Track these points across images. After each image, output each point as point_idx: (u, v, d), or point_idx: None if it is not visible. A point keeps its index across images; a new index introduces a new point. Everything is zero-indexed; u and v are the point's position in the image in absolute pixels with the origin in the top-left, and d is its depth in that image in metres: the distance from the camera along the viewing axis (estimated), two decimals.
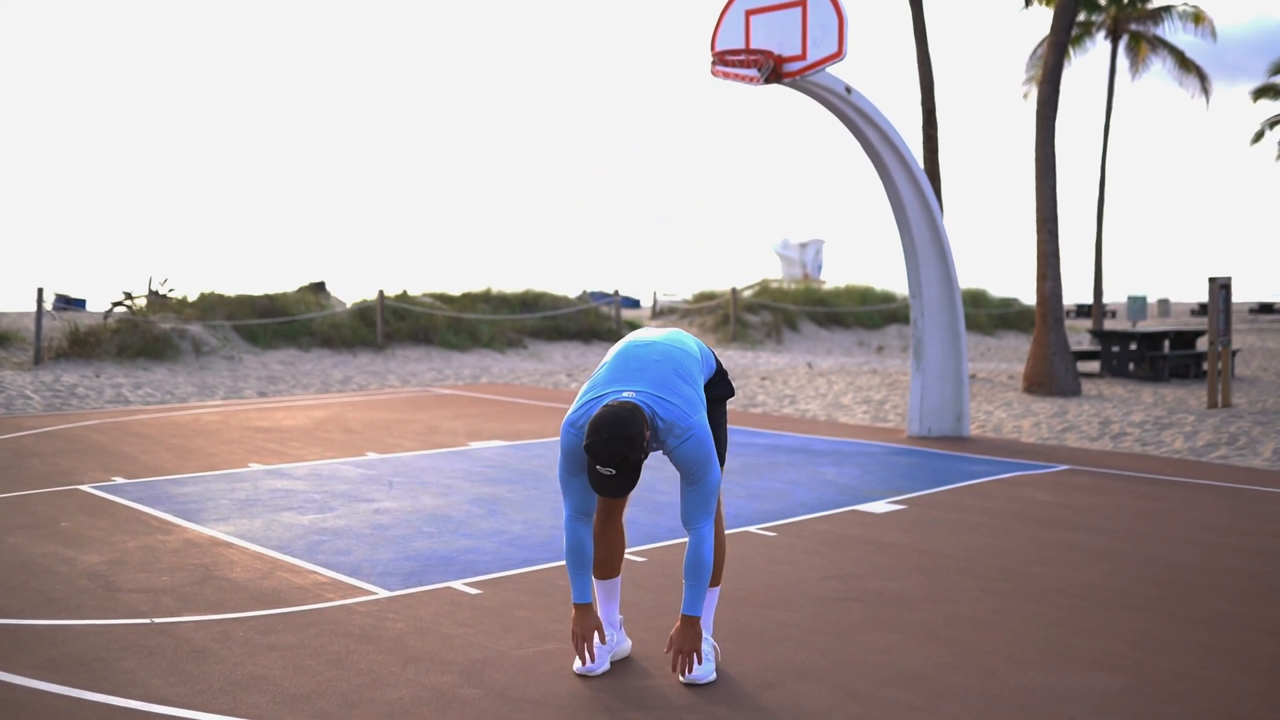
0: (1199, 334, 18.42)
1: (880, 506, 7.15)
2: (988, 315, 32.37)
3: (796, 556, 5.81)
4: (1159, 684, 3.96)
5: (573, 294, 26.60)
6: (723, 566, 4.06)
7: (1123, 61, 32.03)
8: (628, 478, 3.55)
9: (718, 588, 4.09)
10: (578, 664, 4.02)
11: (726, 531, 6.27)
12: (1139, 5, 30.47)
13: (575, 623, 3.89)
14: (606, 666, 4.07)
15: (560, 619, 4.66)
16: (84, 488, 7.57)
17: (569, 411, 3.83)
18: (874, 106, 9.97)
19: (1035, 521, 6.74)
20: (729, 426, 4.41)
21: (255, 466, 8.55)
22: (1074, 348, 18.95)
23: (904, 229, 10.55)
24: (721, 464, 3.95)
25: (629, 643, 4.23)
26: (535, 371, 19.07)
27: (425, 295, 24.02)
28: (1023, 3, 27.05)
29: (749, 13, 9.77)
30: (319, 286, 24.89)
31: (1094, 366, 19.37)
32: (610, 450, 3.50)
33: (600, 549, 4.09)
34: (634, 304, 43.64)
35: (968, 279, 42.10)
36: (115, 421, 11.35)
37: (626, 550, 5.08)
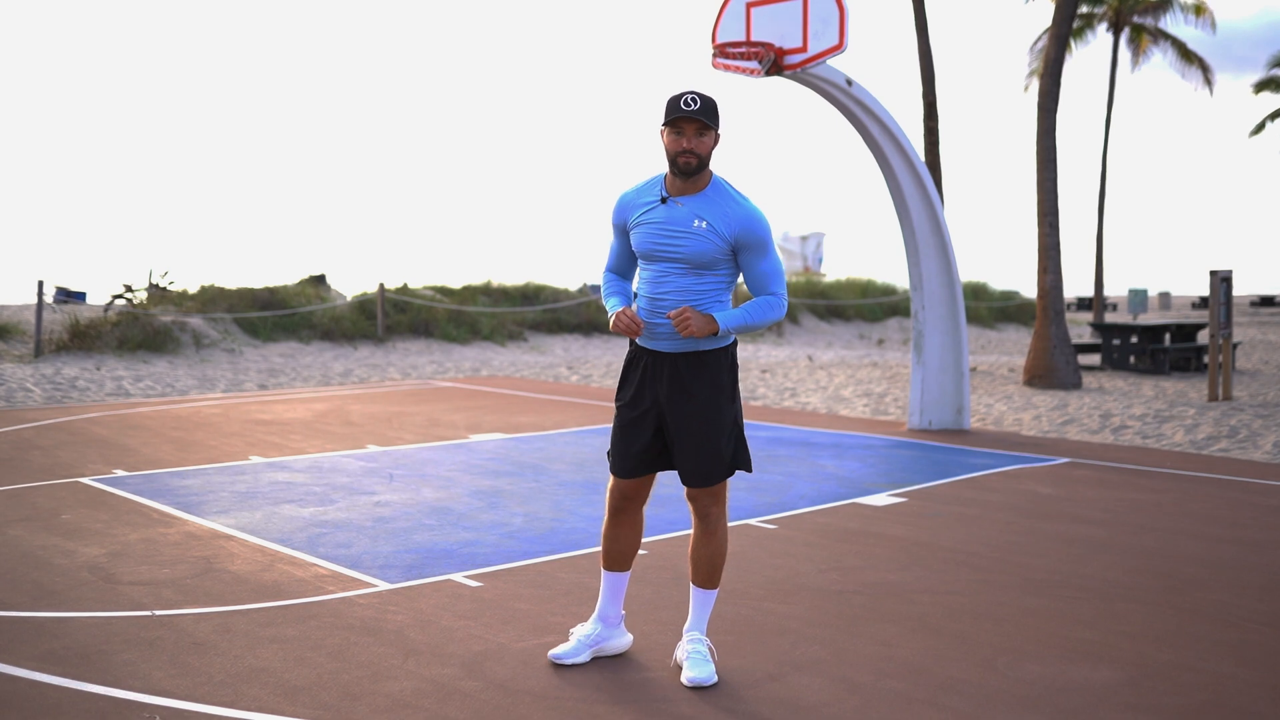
0: (1200, 327, 18.41)
1: (880, 499, 7.15)
2: (988, 308, 32.35)
3: (797, 549, 5.81)
4: (1158, 676, 3.97)
5: (573, 287, 26.58)
6: (723, 567, 4.04)
7: (1124, 54, 32.02)
8: (708, 109, 3.74)
9: (715, 590, 4.05)
10: (553, 651, 4.05)
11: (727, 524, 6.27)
12: None
13: (616, 318, 3.84)
14: (584, 659, 4.04)
15: (560, 611, 4.66)
16: (84, 480, 7.57)
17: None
18: (875, 99, 9.96)
19: (1035, 514, 6.74)
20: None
21: (256, 459, 8.55)
22: (1075, 341, 18.94)
23: (905, 222, 10.54)
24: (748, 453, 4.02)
25: (628, 639, 4.20)
26: (536, 364, 19.08)
27: (426, 288, 24.00)
28: None
29: (750, 5, 9.75)
30: (319, 279, 24.89)
31: (1095, 359, 19.36)
32: (694, 92, 3.76)
33: (610, 541, 4.07)
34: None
35: (968, 272, 42.15)
36: (116, 414, 11.35)
37: None
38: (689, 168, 3.78)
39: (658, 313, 3.86)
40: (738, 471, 3.97)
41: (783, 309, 3.86)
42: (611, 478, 4.04)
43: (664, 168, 3.92)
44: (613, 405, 4.48)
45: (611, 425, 4.06)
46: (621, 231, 4.02)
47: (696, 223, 3.78)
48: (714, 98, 3.79)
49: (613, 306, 3.96)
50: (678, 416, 3.87)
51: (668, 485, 7.23)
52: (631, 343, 4.02)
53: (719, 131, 3.80)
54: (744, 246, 3.81)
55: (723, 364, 3.91)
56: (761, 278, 3.85)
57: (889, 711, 3.62)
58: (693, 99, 3.74)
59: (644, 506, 4.10)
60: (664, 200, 3.85)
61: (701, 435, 3.85)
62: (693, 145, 3.75)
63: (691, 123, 3.74)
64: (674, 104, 3.76)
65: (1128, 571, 5.40)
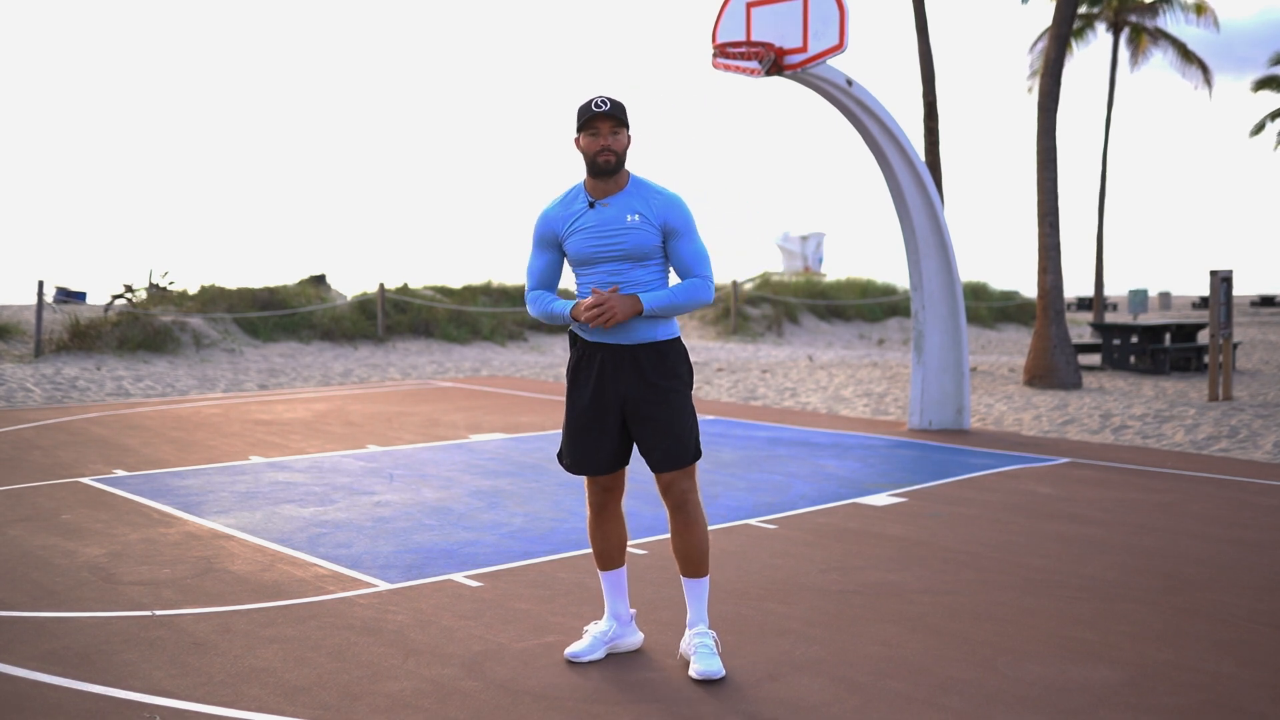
0: (1200, 327, 18.40)
1: (881, 499, 7.15)
2: (989, 308, 32.35)
3: (797, 549, 5.81)
4: (1159, 676, 3.96)
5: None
6: (708, 552, 4.07)
7: (1124, 54, 32.02)
8: (619, 108, 3.88)
9: (706, 577, 4.08)
10: (569, 649, 4.07)
11: (726, 524, 6.27)
12: None
13: (586, 308, 3.85)
14: (600, 655, 4.08)
15: (561, 611, 4.66)
16: (85, 480, 7.57)
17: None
18: (875, 99, 9.96)
19: (1035, 514, 6.74)
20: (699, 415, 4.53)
21: (256, 459, 8.56)
22: (1075, 341, 18.93)
23: (905, 222, 10.54)
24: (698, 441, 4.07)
25: (640, 637, 4.23)
26: (536, 364, 19.08)
27: (426, 288, 24.01)
28: None
29: (750, 5, 9.75)
30: (319, 279, 24.88)
31: (1095, 359, 19.36)
32: (603, 95, 3.90)
33: (600, 540, 4.11)
34: None
35: (969, 272, 42.14)
36: (116, 414, 11.35)
37: (628, 543, 5.07)
38: (609, 165, 3.89)
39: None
40: (722, 467, 4.01)
41: (709, 291, 3.95)
42: (586, 479, 4.08)
43: (577, 180, 4.03)
44: None
45: (564, 426, 4.08)
46: (550, 246, 4.06)
47: (630, 217, 3.90)
48: (622, 100, 3.93)
49: (565, 305, 3.98)
50: (645, 406, 3.93)
51: None
52: (578, 341, 4.05)
53: (630, 132, 3.93)
54: (671, 232, 3.94)
55: (680, 354, 4.03)
56: (688, 259, 3.96)
57: (889, 711, 3.62)
58: (603, 100, 3.89)
59: (622, 500, 4.16)
60: (591, 205, 3.94)
61: (668, 421, 3.93)
62: (609, 143, 3.87)
63: (605, 121, 3.87)
64: (585, 108, 3.90)
65: (1127, 571, 5.40)
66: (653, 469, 3.98)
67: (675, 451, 3.94)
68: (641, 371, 3.93)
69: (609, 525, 4.12)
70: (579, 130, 3.91)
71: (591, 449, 3.99)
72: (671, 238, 3.94)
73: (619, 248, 3.90)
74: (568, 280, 4.25)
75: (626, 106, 3.93)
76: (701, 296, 3.94)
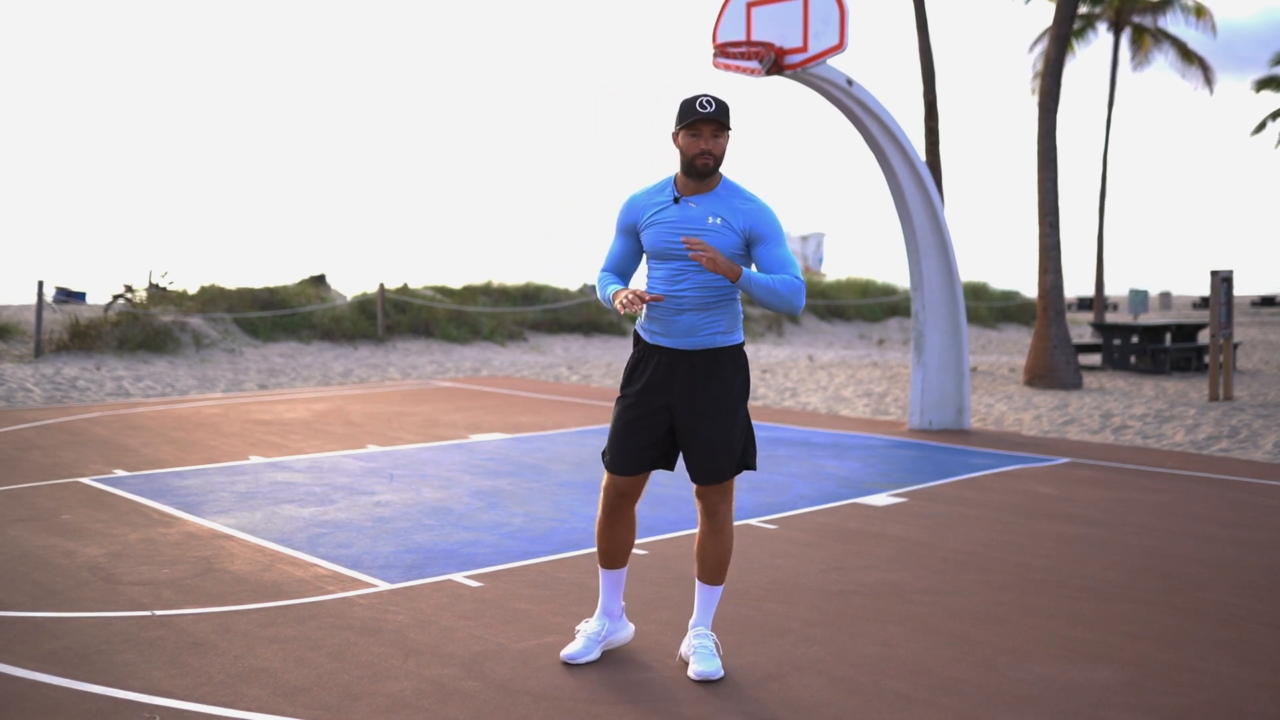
0: (1200, 327, 18.41)
1: (881, 499, 7.15)
2: (989, 308, 32.35)
3: (797, 549, 5.81)
4: (1159, 676, 3.96)
5: (574, 287, 26.57)
6: (728, 564, 4.07)
7: (1125, 54, 32.02)
8: (724, 110, 3.80)
9: (721, 586, 4.07)
10: (565, 652, 4.06)
11: None
12: None
13: (618, 296, 3.83)
14: (596, 655, 4.07)
15: (561, 611, 4.66)
16: (85, 480, 7.57)
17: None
18: (875, 98, 9.96)
19: (1036, 514, 6.73)
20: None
21: (256, 459, 8.55)
22: (1075, 341, 18.94)
23: (905, 221, 10.54)
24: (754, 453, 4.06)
25: (631, 628, 4.23)
26: (536, 364, 19.07)
27: (426, 288, 24.00)
28: None
29: (750, 5, 9.75)
30: (319, 279, 24.88)
31: (1095, 359, 19.36)
32: (709, 95, 3.82)
33: (607, 541, 4.10)
34: None
35: (969, 272, 42.16)
36: (116, 414, 11.35)
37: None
38: (706, 168, 3.83)
39: (674, 310, 3.89)
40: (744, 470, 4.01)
41: (802, 296, 3.84)
42: (607, 475, 4.05)
43: (671, 171, 3.97)
44: (612, 405, 4.47)
45: (611, 423, 4.06)
46: (629, 233, 4.03)
47: (711, 219, 3.84)
48: (726, 100, 3.84)
49: (615, 290, 3.94)
50: (693, 415, 3.89)
51: (665, 485, 7.23)
52: (640, 341, 4.03)
53: (730, 133, 3.86)
54: (758, 238, 3.86)
55: (738, 362, 3.97)
56: (779, 263, 3.86)
57: (889, 711, 3.62)
58: (709, 101, 3.79)
59: (637, 504, 4.12)
60: (676, 200, 3.89)
61: (716, 433, 3.89)
62: (710, 146, 3.81)
63: (709, 124, 3.80)
64: (689, 107, 3.80)
65: (1128, 571, 5.40)
66: (692, 478, 3.96)
67: (715, 466, 3.91)
68: (694, 380, 3.89)
69: (619, 527, 4.09)
70: (679, 127, 3.83)
71: (631, 448, 3.95)
72: (757, 244, 3.86)
73: None
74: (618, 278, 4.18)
75: (731, 108, 3.84)
76: (796, 296, 3.79)
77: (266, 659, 4.07)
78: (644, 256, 4.07)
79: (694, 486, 4.00)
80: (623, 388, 4.04)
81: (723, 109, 3.80)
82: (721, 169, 3.91)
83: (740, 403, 3.96)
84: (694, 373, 3.89)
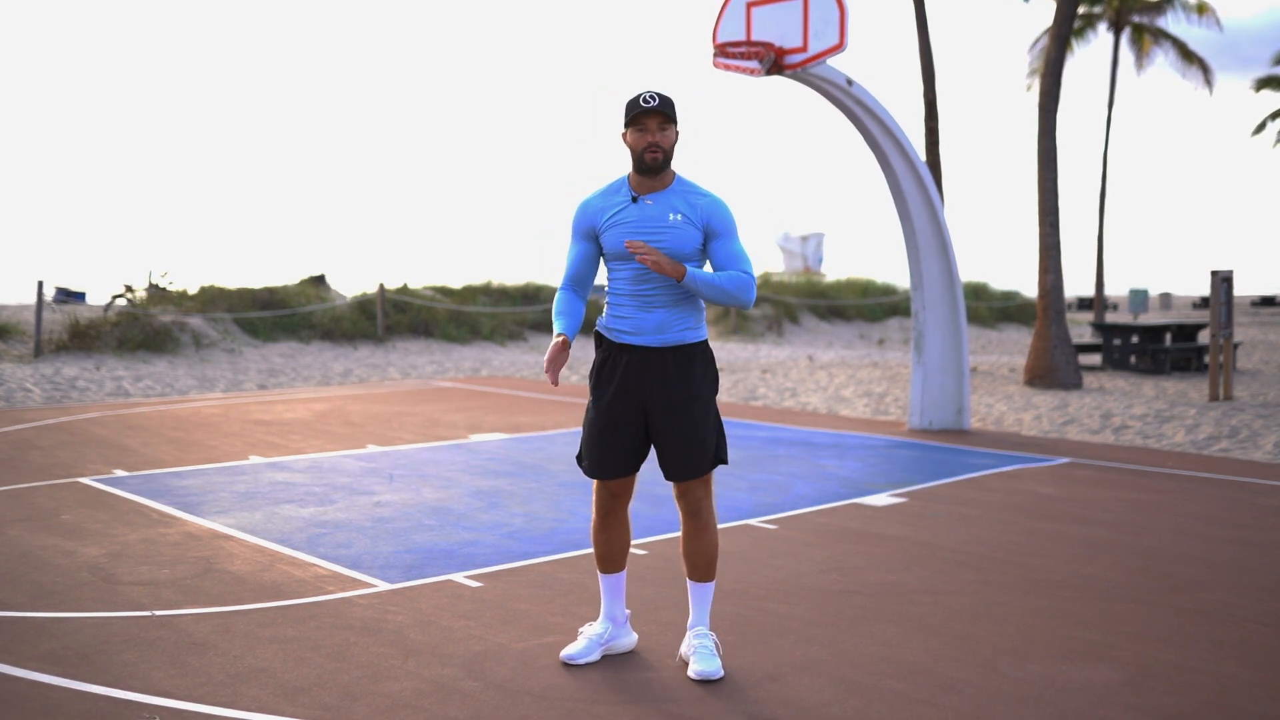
0: (1200, 327, 18.40)
1: (881, 499, 7.15)
2: (989, 308, 32.35)
3: (797, 549, 5.81)
4: (1159, 676, 3.96)
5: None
6: (716, 559, 4.05)
7: (1126, 54, 32.02)
8: (668, 103, 3.84)
9: (712, 582, 4.07)
10: (565, 652, 4.05)
11: (726, 524, 6.27)
12: None
13: (549, 351, 3.84)
14: (596, 657, 4.06)
15: (561, 612, 4.66)
16: (84, 480, 7.57)
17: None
18: (875, 98, 9.96)
19: (1036, 514, 6.73)
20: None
21: (255, 459, 8.55)
22: (1075, 341, 18.94)
23: (905, 221, 10.54)
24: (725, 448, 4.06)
25: (634, 636, 4.21)
26: (536, 364, 19.07)
27: (425, 288, 24.00)
28: None
29: (750, 5, 9.75)
30: (319, 279, 24.88)
31: (1095, 359, 19.35)
32: (651, 90, 3.86)
33: (603, 544, 4.09)
34: None
35: (969, 272, 42.17)
36: (115, 414, 11.35)
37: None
38: (656, 162, 3.85)
39: (644, 308, 3.90)
40: (721, 465, 4.00)
41: (752, 290, 3.88)
42: (595, 483, 4.05)
43: (623, 173, 3.99)
44: None
45: (585, 428, 4.05)
46: (588, 237, 4.00)
47: (672, 216, 3.87)
48: (671, 95, 3.88)
49: (557, 330, 3.93)
50: (670, 412, 3.90)
51: (664, 485, 7.22)
52: (604, 341, 4.02)
53: (678, 128, 3.90)
54: (714, 233, 3.90)
55: (706, 357, 4.00)
56: (732, 259, 3.90)
57: (889, 711, 3.62)
58: (651, 96, 3.84)
59: (630, 503, 4.12)
60: (634, 200, 3.90)
61: (691, 430, 3.90)
62: (657, 139, 3.84)
63: (653, 116, 3.83)
64: (634, 103, 3.85)
65: (1128, 571, 5.40)
66: (667, 476, 3.96)
67: (692, 462, 3.91)
68: (666, 377, 3.90)
69: (614, 530, 4.09)
70: (626, 125, 3.86)
71: (611, 451, 3.95)
72: (713, 239, 3.90)
73: (659, 245, 3.84)
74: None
75: (675, 102, 3.87)
76: (744, 292, 3.84)
77: (266, 659, 4.06)
78: (602, 260, 4.06)
79: (673, 488, 4.00)
80: (593, 390, 4.03)
81: (666, 102, 3.84)
82: (675, 167, 3.94)
83: (710, 397, 3.99)
84: (667, 370, 3.91)
